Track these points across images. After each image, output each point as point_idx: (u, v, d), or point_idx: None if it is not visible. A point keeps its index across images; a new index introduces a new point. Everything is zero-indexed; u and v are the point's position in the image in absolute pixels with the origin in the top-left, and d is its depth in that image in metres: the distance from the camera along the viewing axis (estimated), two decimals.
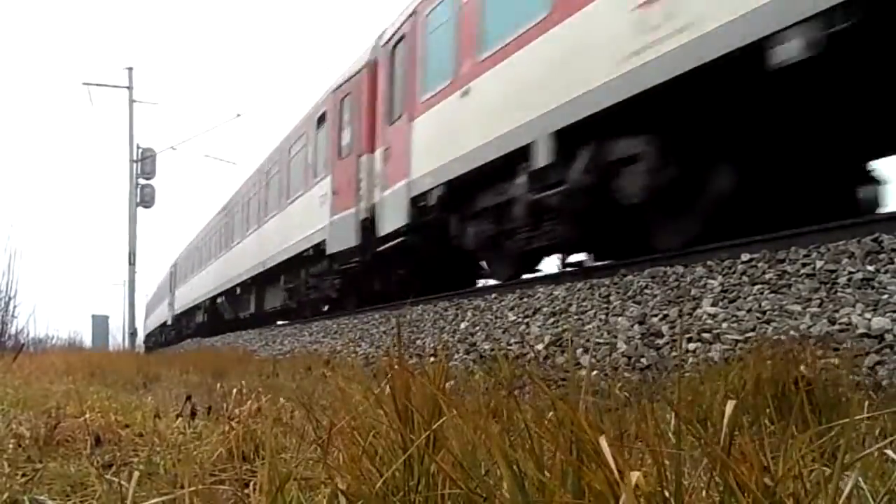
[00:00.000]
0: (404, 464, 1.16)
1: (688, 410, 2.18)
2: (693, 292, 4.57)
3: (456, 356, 5.90)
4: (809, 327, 3.55)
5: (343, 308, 12.19)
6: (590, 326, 5.03)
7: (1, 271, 16.40)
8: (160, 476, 1.66)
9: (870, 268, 3.73)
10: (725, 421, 0.92)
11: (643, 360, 4.20)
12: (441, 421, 1.16)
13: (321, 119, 13.30)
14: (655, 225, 5.86)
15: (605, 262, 6.63)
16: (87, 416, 2.52)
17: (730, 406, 0.94)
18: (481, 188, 7.93)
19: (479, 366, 5.08)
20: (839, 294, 3.67)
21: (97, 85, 22.68)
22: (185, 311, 27.94)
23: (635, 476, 0.83)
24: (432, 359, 5.33)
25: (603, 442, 0.88)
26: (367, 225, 10.65)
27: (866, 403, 2.14)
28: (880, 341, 3.24)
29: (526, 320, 5.87)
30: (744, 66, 4.57)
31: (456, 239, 8.59)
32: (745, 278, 4.35)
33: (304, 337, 11.34)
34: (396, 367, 1.23)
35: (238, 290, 19.14)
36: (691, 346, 4.01)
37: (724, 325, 4.01)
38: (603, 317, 5.06)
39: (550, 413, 1.05)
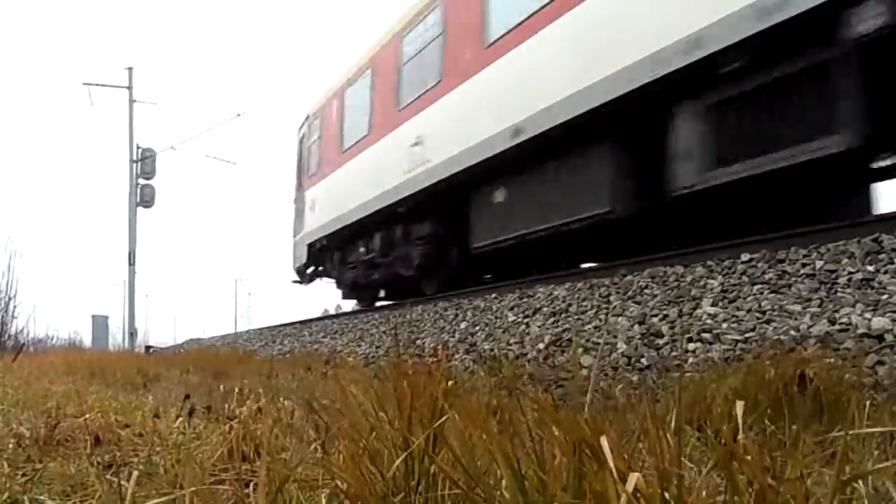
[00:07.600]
0: (405, 464, 1.15)
1: (688, 411, 2.18)
2: (693, 292, 4.57)
3: (456, 356, 5.90)
4: (809, 327, 3.55)
5: None
6: (590, 326, 5.03)
7: (1, 271, 16.39)
8: (160, 476, 1.65)
9: (870, 268, 3.73)
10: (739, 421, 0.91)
11: (643, 360, 4.20)
12: (442, 420, 1.16)
13: None
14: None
15: (605, 263, 6.65)
16: (87, 416, 2.52)
17: (739, 407, 0.94)
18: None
19: (479, 366, 5.08)
20: (839, 294, 3.67)
21: (97, 85, 22.62)
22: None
23: (635, 478, 0.83)
24: (432, 359, 5.33)
25: (604, 442, 0.88)
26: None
27: (867, 404, 2.13)
28: (880, 341, 3.24)
29: (526, 320, 5.87)
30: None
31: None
32: (745, 278, 4.35)
33: (305, 337, 11.33)
34: (398, 367, 1.23)
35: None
36: (691, 346, 4.01)
37: (724, 325, 4.00)
38: (603, 317, 5.06)
39: (551, 413, 1.04)
